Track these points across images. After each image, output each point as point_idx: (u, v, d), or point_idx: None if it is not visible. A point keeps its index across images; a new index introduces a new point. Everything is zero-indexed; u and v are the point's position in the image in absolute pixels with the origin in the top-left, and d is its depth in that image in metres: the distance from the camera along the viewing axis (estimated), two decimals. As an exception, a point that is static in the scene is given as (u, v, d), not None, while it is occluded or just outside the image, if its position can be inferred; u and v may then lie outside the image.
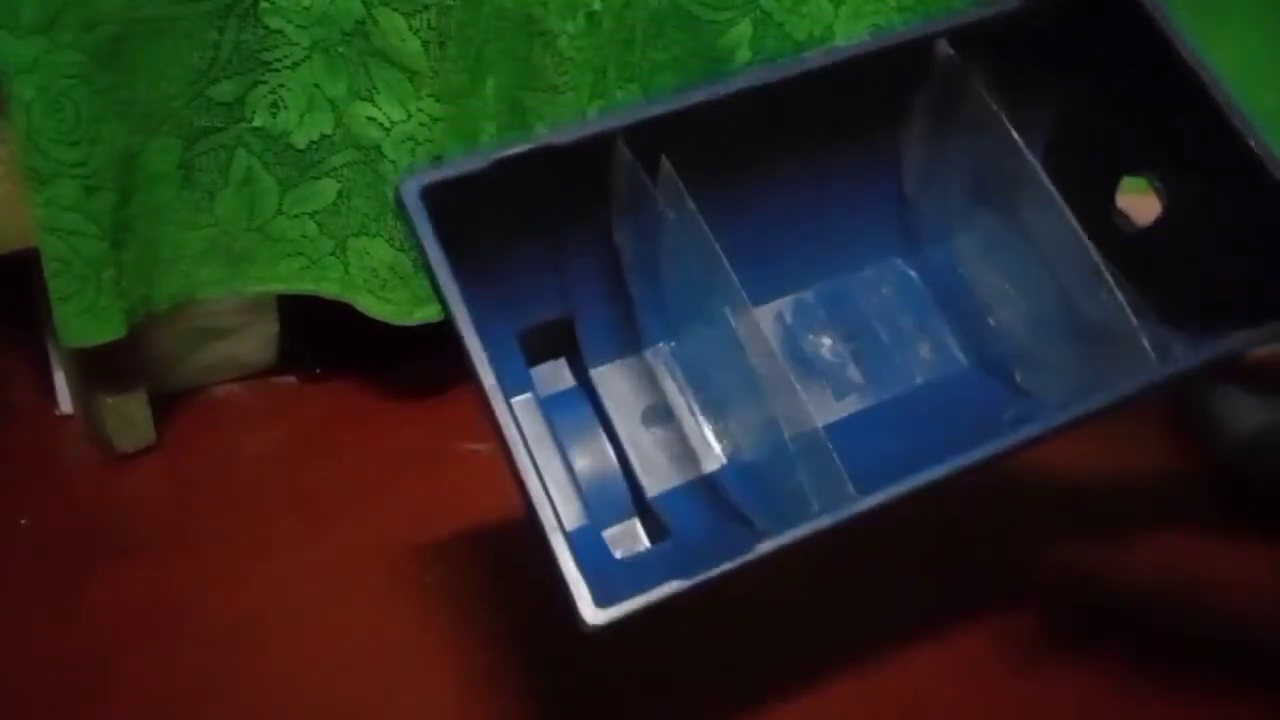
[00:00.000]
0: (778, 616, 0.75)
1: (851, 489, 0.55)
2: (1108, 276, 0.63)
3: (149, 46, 0.72)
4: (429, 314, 0.84)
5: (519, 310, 0.66)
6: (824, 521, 0.54)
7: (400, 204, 0.55)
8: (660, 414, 0.69)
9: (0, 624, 0.72)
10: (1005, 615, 0.75)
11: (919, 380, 0.72)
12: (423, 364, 0.93)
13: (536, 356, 0.69)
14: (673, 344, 0.69)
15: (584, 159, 0.59)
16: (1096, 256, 0.63)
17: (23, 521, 0.79)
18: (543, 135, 0.59)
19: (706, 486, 0.67)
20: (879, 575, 0.78)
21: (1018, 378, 0.69)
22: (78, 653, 0.70)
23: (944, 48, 0.65)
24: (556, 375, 0.69)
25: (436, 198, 0.55)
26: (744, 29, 0.87)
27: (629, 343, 0.69)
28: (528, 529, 0.53)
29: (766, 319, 0.71)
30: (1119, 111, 0.70)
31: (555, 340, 0.68)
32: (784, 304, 0.72)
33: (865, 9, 0.90)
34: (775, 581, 0.77)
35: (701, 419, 0.68)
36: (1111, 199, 0.71)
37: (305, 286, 0.85)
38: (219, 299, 0.85)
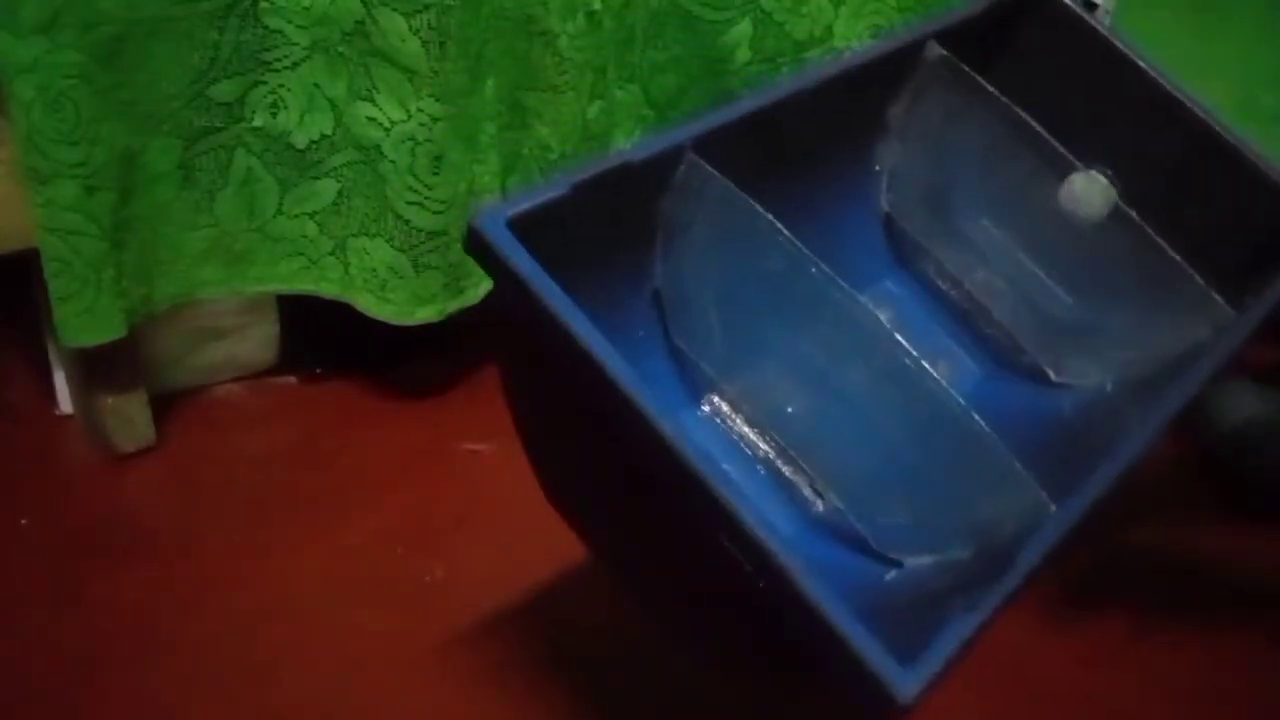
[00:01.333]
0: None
1: (1043, 494, 0.50)
2: (1149, 230, 0.63)
3: (149, 46, 0.72)
4: (429, 314, 0.84)
5: None
6: (1065, 519, 0.48)
7: (480, 243, 0.48)
8: (735, 465, 0.62)
9: (0, 623, 0.72)
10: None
11: None
12: (423, 364, 0.93)
13: None
14: (733, 387, 0.63)
15: (647, 181, 0.55)
16: (1129, 211, 0.64)
17: (23, 521, 0.79)
18: (603, 160, 0.53)
19: (813, 525, 0.61)
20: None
21: (1051, 374, 0.69)
22: (78, 652, 0.70)
23: (934, 49, 0.65)
24: None
25: (522, 233, 0.48)
26: (744, 28, 0.87)
27: (679, 401, 0.63)
28: (745, 602, 0.44)
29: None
30: (1064, 109, 0.70)
31: None
32: None
33: (865, 8, 0.90)
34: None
35: (789, 450, 0.62)
36: (1055, 195, 0.72)
37: (305, 286, 0.85)
38: (219, 299, 0.85)
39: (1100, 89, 0.69)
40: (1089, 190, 0.69)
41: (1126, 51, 0.68)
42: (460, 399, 0.91)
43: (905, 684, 0.40)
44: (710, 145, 0.56)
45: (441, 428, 0.89)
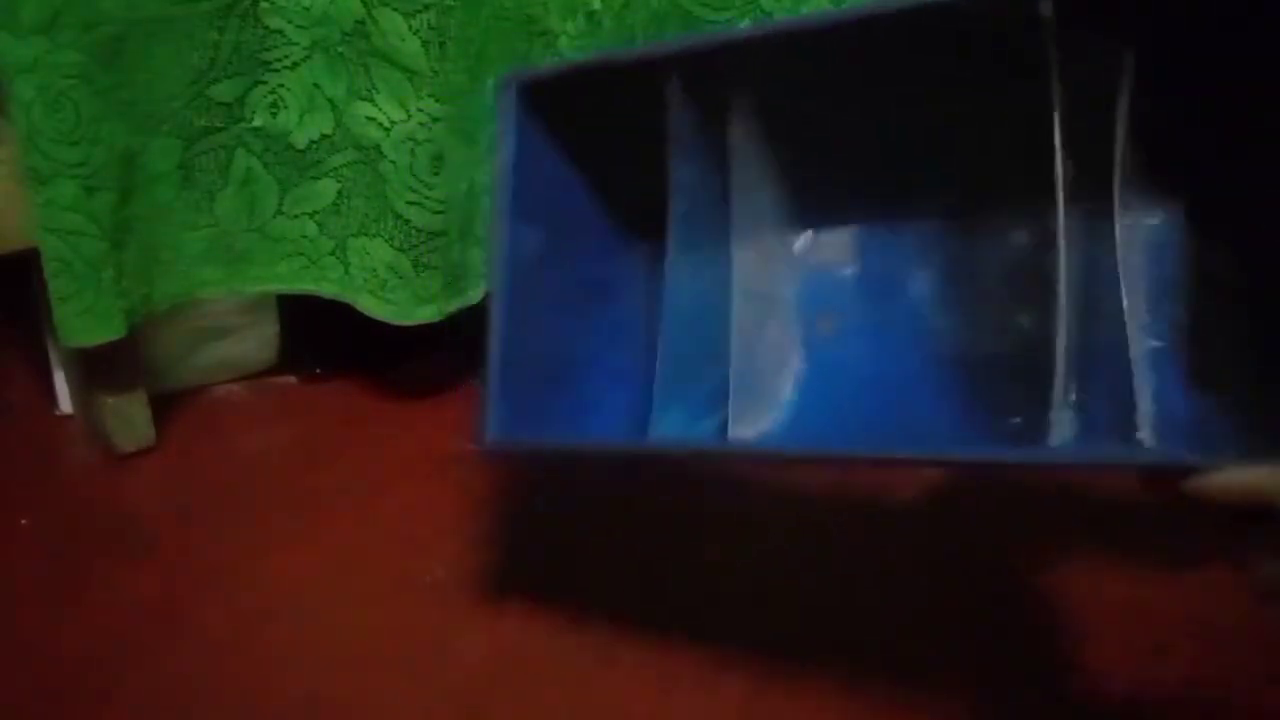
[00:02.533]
0: (780, 613, 0.75)
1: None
2: None
3: (149, 46, 0.72)
4: (429, 314, 0.84)
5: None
6: (728, 446, 0.61)
7: (500, 93, 0.62)
8: (713, 315, 0.68)
9: (0, 623, 0.72)
10: (1007, 616, 0.75)
11: (990, 350, 0.63)
12: (423, 364, 0.93)
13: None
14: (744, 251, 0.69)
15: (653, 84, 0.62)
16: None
17: (23, 521, 0.79)
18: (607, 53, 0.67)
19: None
20: (879, 575, 0.78)
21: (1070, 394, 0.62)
22: (77, 653, 0.70)
23: (1046, 8, 0.54)
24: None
25: (540, 95, 0.62)
26: (744, 29, 0.87)
27: (715, 237, 0.68)
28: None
29: (847, 242, 0.68)
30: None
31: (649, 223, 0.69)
32: (885, 233, 0.68)
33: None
34: (778, 577, 0.77)
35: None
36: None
37: (305, 286, 0.85)
38: (219, 299, 0.85)
39: None
40: None
41: None
42: (460, 399, 0.91)
43: (491, 432, 0.60)
44: (752, 56, 0.61)
45: (442, 428, 0.89)
